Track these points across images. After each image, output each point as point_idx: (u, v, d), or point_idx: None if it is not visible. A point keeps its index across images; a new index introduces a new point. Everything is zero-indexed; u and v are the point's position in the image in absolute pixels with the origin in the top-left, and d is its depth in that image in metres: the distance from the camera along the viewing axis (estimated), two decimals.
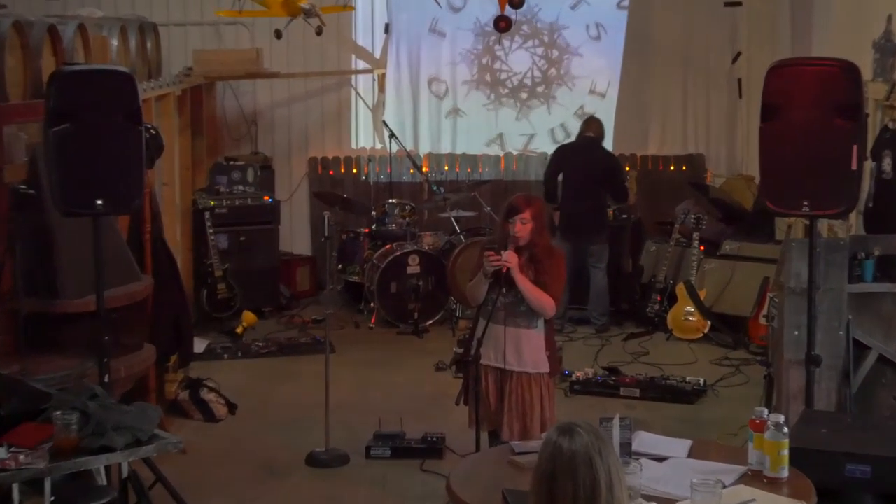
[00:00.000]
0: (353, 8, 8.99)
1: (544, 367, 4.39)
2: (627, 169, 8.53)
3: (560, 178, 7.91)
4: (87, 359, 4.43)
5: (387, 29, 9.26)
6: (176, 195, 7.39)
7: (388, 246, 8.08)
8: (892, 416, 4.72)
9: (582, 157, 7.78)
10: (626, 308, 8.10)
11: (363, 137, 9.48)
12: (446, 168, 9.45)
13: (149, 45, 7.26)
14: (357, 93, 9.43)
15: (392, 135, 8.56)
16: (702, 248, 7.86)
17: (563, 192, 7.85)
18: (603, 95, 9.43)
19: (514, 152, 9.54)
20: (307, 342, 7.47)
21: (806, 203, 4.40)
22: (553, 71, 9.43)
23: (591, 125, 7.93)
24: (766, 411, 3.38)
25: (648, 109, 9.45)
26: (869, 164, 5.22)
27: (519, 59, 9.43)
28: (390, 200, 8.44)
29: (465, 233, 8.22)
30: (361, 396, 6.34)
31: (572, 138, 9.32)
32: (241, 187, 8.32)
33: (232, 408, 6.05)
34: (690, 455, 3.52)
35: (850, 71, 4.33)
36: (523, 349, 4.34)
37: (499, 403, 4.37)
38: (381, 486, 5.08)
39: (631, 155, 9.24)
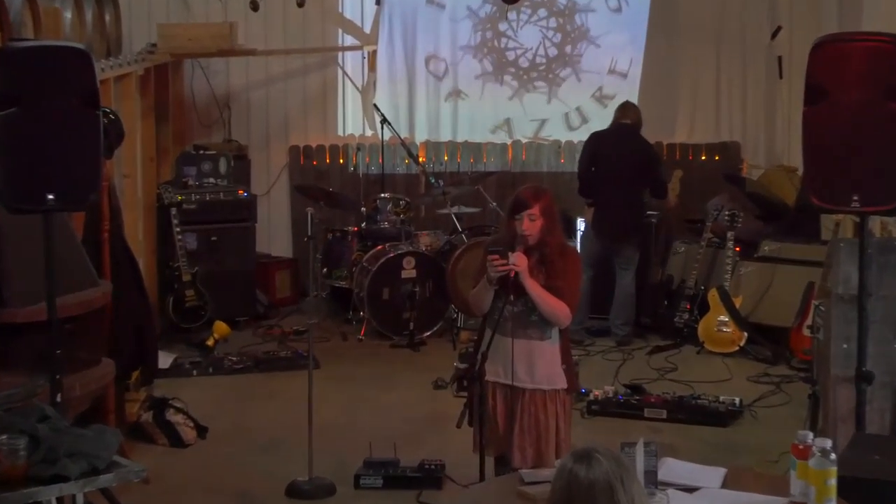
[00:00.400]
0: None
1: (560, 383, 4.39)
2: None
3: (592, 170, 7.92)
4: (36, 375, 4.41)
5: (378, 0, 9.27)
6: (138, 189, 7.38)
7: (379, 247, 8.07)
8: None
9: (618, 146, 7.80)
10: (648, 323, 8.10)
11: (351, 123, 9.48)
12: (446, 158, 9.45)
13: (107, 17, 7.26)
14: (344, 72, 9.43)
15: (384, 120, 8.56)
16: (737, 248, 7.86)
17: (595, 186, 7.87)
18: (624, 75, 9.44)
19: (524, 140, 9.54)
20: (288, 356, 7.47)
21: (856, 198, 4.39)
22: (568, 48, 9.44)
23: (628, 111, 7.95)
24: (810, 435, 3.37)
25: (676, 91, 9.46)
26: None
27: (529, 35, 9.44)
28: (382, 195, 8.44)
29: (468, 232, 8.22)
30: (350, 418, 6.34)
31: (589, 123, 9.36)
32: (212, 180, 8.31)
33: (202, 431, 6.04)
34: (724, 485, 3.51)
35: None
36: (536, 363, 4.34)
37: (508, 425, 4.37)
38: None
39: (656, 143, 9.22)
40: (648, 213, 8.23)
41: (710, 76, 9.45)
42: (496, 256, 4.21)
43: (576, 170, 8.35)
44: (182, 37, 8.12)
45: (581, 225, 8.22)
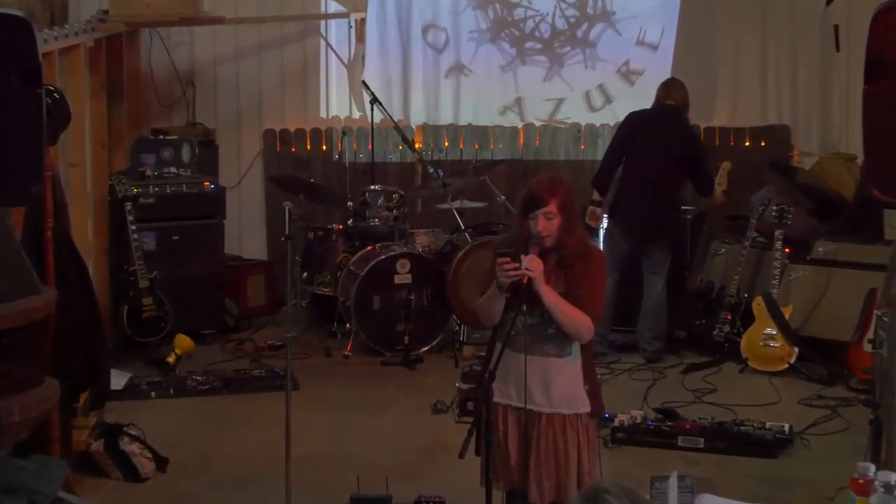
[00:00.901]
0: None
1: (583, 406, 4.39)
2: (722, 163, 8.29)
3: (623, 158, 7.89)
4: None
5: None
6: (87, 180, 7.38)
7: (369, 248, 8.08)
8: None
9: (658, 130, 7.79)
10: (683, 336, 8.10)
11: (336, 104, 9.49)
12: (447, 144, 9.45)
13: None
14: (328, 44, 9.44)
15: (374, 100, 8.56)
16: (787, 250, 7.86)
17: (627, 175, 7.84)
18: (654, 48, 9.45)
19: (537, 123, 9.55)
20: (262, 376, 7.47)
21: None
22: (589, 15, 9.44)
23: (673, 91, 7.91)
24: (872, 467, 3.37)
25: (715, 66, 9.46)
26: None
27: (543, 1, 9.44)
28: (372, 187, 8.44)
29: (472, 230, 8.22)
30: (334, 448, 6.34)
31: (613, 104, 9.37)
32: (173, 170, 8.32)
33: (161, 463, 6.04)
34: None
35: None
36: (553, 383, 4.34)
37: (522, 455, 4.37)
38: None
39: (692, 127, 9.22)
40: (683, 207, 8.23)
41: (754, 48, 9.45)
42: (507, 259, 4.21)
43: (598, 158, 8.34)
44: (138, 3, 8.12)
45: (604, 221, 8.20)
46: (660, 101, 7.95)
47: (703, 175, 7.88)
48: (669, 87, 7.99)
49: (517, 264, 4.20)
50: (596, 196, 7.90)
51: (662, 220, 7.85)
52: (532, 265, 4.22)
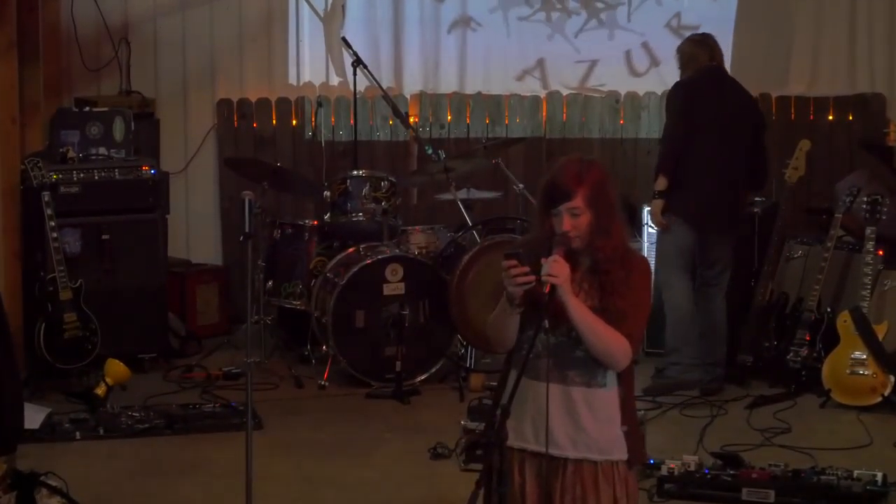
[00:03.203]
0: None
1: (619, 452, 4.39)
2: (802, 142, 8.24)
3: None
4: None
5: None
6: None
7: (350, 250, 8.10)
8: None
9: (720, 99, 7.79)
10: (748, 362, 8.10)
11: (309, 67, 9.50)
12: (449, 118, 9.46)
13: None
14: None
15: (358, 62, 8.57)
16: (880, 252, 7.87)
17: (691, 157, 7.75)
18: None
19: (565, 91, 9.56)
20: (215, 412, 7.48)
21: None
22: None
23: (714, 47, 7.89)
24: None
25: (790, 21, 9.45)
26: None
27: None
28: (354, 173, 8.45)
29: (482, 227, 8.23)
30: (306, 502, 6.37)
31: (660, 67, 9.35)
32: (103, 150, 8.32)
33: None
34: None
35: None
36: (583, 422, 4.34)
37: None
38: None
39: (761, 95, 9.24)
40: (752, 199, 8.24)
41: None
42: (513, 262, 4.16)
43: (641, 135, 8.34)
44: None
45: (646, 216, 8.19)
46: (708, 63, 7.82)
47: (765, 158, 7.89)
48: (709, 45, 7.91)
49: (526, 269, 4.18)
50: (661, 184, 7.77)
51: (733, 210, 7.85)
52: (556, 269, 4.18)
